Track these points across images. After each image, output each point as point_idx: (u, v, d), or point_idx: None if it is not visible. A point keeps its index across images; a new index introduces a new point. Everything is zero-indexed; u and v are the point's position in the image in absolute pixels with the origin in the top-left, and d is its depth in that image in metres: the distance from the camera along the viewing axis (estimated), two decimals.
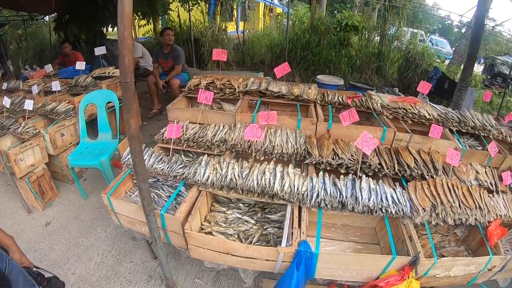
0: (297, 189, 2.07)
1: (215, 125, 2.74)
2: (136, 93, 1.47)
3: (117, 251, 2.81)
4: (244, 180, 2.13)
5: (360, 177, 2.18)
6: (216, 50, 3.12)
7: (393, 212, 1.99)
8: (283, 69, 3.05)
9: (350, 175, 2.23)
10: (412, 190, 2.11)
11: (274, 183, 2.09)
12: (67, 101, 3.76)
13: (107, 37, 8.35)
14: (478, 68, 10.00)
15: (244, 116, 2.73)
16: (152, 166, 2.40)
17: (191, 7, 8.03)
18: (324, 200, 2.04)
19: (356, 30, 8.24)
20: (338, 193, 2.07)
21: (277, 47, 8.35)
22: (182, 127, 2.67)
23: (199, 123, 2.80)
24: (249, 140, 2.43)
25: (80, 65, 4.27)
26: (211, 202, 2.44)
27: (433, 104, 3.29)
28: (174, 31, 8.32)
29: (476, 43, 5.18)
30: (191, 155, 2.86)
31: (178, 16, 8.45)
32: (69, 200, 3.52)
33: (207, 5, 9.51)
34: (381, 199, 2.01)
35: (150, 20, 8.52)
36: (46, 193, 3.42)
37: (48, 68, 4.46)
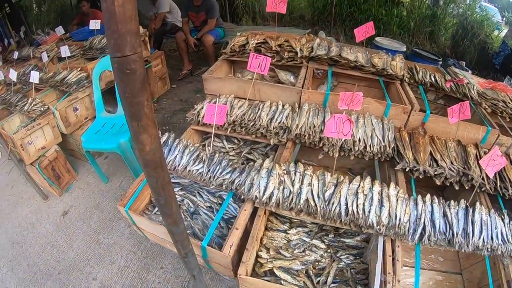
0: (399, 220, 1.46)
1: (271, 104, 2.05)
2: (148, 86, 0.73)
3: (143, 253, 2.31)
4: (327, 203, 1.50)
5: (473, 206, 1.59)
6: None
7: (500, 252, 1.51)
8: (365, 30, 2.22)
9: (462, 201, 1.62)
10: None
11: (369, 211, 1.47)
12: (79, 69, 3.18)
13: None
14: None
15: (314, 94, 2.02)
16: (185, 168, 1.81)
17: None
18: (429, 236, 1.48)
19: None
20: (448, 228, 1.50)
21: (319, 0, 7.37)
22: (227, 109, 2.01)
23: (248, 99, 2.13)
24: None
25: (95, 24, 3.62)
26: (267, 216, 1.85)
27: None
28: None
29: None
30: (236, 140, 2.24)
31: None
32: (89, 184, 3.05)
33: None
34: (491, 236, 1.51)
35: None
36: (62, 177, 2.97)
37: (59, 30, 3.85)
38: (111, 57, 0.65)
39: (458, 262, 1.87)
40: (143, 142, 0.80)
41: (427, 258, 1.88)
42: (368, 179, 1.60)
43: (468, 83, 2.41)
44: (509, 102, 2.30)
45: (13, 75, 2.94)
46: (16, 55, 3.84)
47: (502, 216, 1.60)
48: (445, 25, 7.39)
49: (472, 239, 1.48)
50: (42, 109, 2.75)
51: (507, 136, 2.00)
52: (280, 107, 2.01)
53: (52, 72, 3.31)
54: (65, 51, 3.21)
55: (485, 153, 1.91)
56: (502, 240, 1.51)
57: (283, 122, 1.93)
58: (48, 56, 3.61)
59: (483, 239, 1.49)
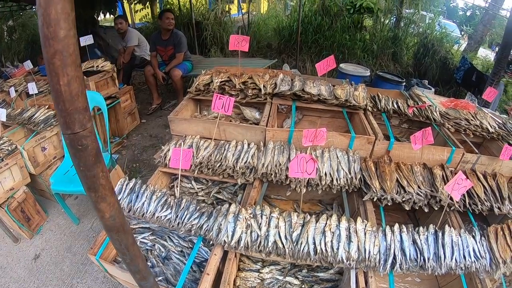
0: (369, 253, 1.45)
1: (237, 144, 2.03)
2: (100, 156, 0.74)
3: None
4: (295, 244, 1.48)
5: (443, 229, 1.62)
6: (235, 36, 2.32)
7: (475, 269, 1.55)
8: (327, 64, 2.27)
9: (431, 226, 1.64)
10: (493, 238, 1.63)
11: (338, 247, 1.46)
12: (47, 106, 3.10)
13: (100, 25, 7.68)
14: (487, 54, 9.52)
15: (278, 132, 2.02)
16: (153, 215, 1.75)
17: None
18: (401, 264, 1.48)
19: (370, 13, 7.52)
20: (419, 254, 1.51)
21: (285, 30, 7.60)
22: (193, 152, 1.99)
23: (214, 139, 2.11)
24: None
25: None
26: (239, 256, 1.80)
27: (485, 110, 2.77)
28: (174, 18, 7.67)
29: None
30: (204, 180, 2.21)
31: None
32: (59, 225, 2.91)
33: None
34: (463, 255, 1.54)
35: (147, 4, 7.72)
36: (32, 219, 2.82)
37: (28, 65, 3.78)
38: (63, 134, 0.67)
39: (436, 280, 1.87)
40: (103, 210, 0.81)
41: (404, 281, 1.86)
42: (334, 217, 1.59)
43: (430, 105, 2.50)
44: (471, 119, 2.39)
45: None
46: None
47: (473, 233, 1.63)
48: (407, 45, 7.72)
49: (444, 262, 1.50)
50: (9, 148, 2.63)
51: (472, 153, 2.06)
52: (245, 146, 2.00)
53: (20, 108, 3.21)
54: (32, 88, 3.15)
55: (451, 172, 1.99)
56: (475, 257, 1.55)
57: (249, 162, 1.91)
58: (16, 91, 3.54)
59: (455, 260, 1.52)
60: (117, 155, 3.84)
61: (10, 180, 2.61)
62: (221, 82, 2.34)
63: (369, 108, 2.37)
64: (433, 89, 5.50)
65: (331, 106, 2.31)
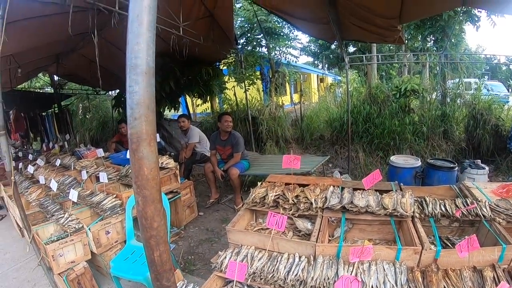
0: None
1: (288, 256, 2.24)
2: None
3: None
4: None
5: None
6: (287, 156, 2.70)
7: None
8: (373, 178, 2.53)
9: None
10: None
11: None
12: (114, 196, 3.55)
13: (165, 117, 8.69)
14: None
15: (327, 248, 2.21)
16: None
17: (248, 87, 8.08)
18: None
19: (416, 94, 7.70)
20: None
21: (336, 121, 7.92)
22: (247, 267, 2.21)
23: (268, 250, 2.34)
24: None
25: None
26: None
27: None
28: (231, 110, 8.49)
29: None
30: (256, 287, 2.40)
31: (235, 94, 8.55)
32: None
33: (262, 82, 9.66)
34: None
35: (207, 99, 8.72)
36: None
37: (100, 152, 4.47)
38: (154, 285, 1.02)
39: None
40: None
41: None
42: None
43: (479, 201, 2.52)
44: None
45: (53, 185, 3.32)
46: (58, 162, 4.44)
47: None
48: (456, 119, 7.57)
49: None
50: (76, 226, 2.98)
51: None
52: (297, 259, 2.18)
53: (89, 190, 3.68)
54: (103, 177, 3.61)
55: (503, 270, 1.94)
56: None
57: (299, 275, 2.07)
58: (87, 172, 4.06)
59: None
60: (174, 245, 4.08)
61: (73, 254, 2.92)
62: (275, 196, 2.65)
63: (417, 215, 2.46)
64: (487, 168, 5.29)
65: (379, 216, 2.46)
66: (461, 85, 8.06)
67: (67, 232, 2.97)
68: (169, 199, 4.07)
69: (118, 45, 5.56)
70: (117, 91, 8.76)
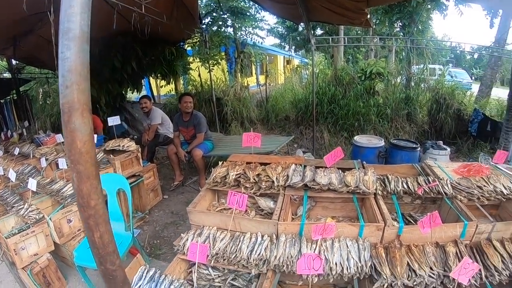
0: None
1: (251, 236, 2.16)
2: (127, 283, 1.00)
3: None
4: None
5: None
6: (247, 134, 2.60)
7: None
8: (335, 155, 2.46)
9: None
10: None
11: None
12: None
13: (128, 100, 8.32)
14: (500, 97, 9.39)
15: (290, 226, 2.15)
16: None
17: (212, 67, 7.87)
18: None
19: (381, 77, 7.84)
20: None
21: (302, 102, 7.95)
22: (209, 244, 2.12)
23: (230, 230, 2.25)
24: None
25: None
26: None
27: (501, 167, 2.84)
28: (195, 92, 8.25)
29: None
30: (221, 268, 2.31)
31: (199, 75, 8.29)
32: None
33: (227, 63, 9.45)
34: None
35: (171, 80, 8.42)
36: (52, 284, 2.90)
37: (59, 138, 4.18)
38: (98, 268, 0.93)
39: None
40: None
41: None
42: None
43: (441, 179, 2.56)
44: (484, 185, 2.42)
45: (12, 175, 3.12)
46: (17, 150, 4.20)
47: None
48: (420, 103, 7.80)
49: None
50: (37, 217, 2.81)
51: (486, 223, 2.08)
52: (259, 238, 2.11)
53: (49, 178, 3.47)
54: (62, 163, 3.43)
55: (466, 246, 1.99)
56: None
57: (262, 254, 2.01)
58: (47, 160, 3.83)
59: None
60: (139, 230, 3.97)
61: (35, 246, 2.75)
62: (236, 175, 2.53)
63: (379, 192, 2.46)
64: (448, 149, 5.47)
65: (342, 194, 2.42)
66: (425, 71, 8.30)
67: (28, 223, 2.77)
68: (131, 183, 3.90)
69: None
70: None
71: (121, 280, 0.94)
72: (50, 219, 2.85)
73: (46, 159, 3.87)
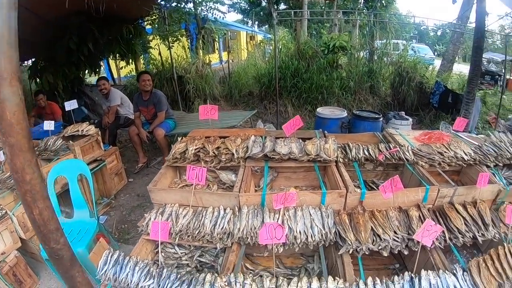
0: None
1: (213, 210, 2.11)
2: (75, 260, 0.94)
3: None
4: None
5: (419, 274, 1.61)
6: (204, 107, 2.52)
7: None
8: (293, 124, 2.43)
9: (406, 274, 1.65)
10: (475, 272, 1.61)
11: None
12: None
13: (86, 83, 7.91)
14: (461, 71, 9.90)
15: (251, 197, 2.11)
16: (137, 285, 1.78)
17: (172, 44, 7.57)
18: None
19: (344, 51, 7.90)
20: None
21: (265, 77, 7.88)
22: (172, 221, 2.06)
23: (192, 206, 2.18)
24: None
25: (49, 124, 3.71)
26: None
27: (461, 135, 2.93)
28: (156, 71, 7.93)
29: (480, 51, 4.91)
30: (187, 245, 2.26)
31: (160, 54, 7.96)
32: None
33: (188, 40, 9.10)
34: None
35: (130, 61, 8.03)
36: (24, 282, 2.78)
37: None
38: (42, 247, 0.91)
39: None
40: None
41: None
42: (305, 279, 1.62)
43: (402, 146, 2.61)
44: (445, 151, 2.49)
45: None
46: None
47: (455, 271, 1.63)
48: (383, 76, 7.98)
49: None
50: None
51: (448, 187, 2.14)
52: (221, 212, 2.07)
53: (9, 172, 3.19)
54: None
55: (428, 210, 2.05)
56: None
57: (225, 227, 1.98)
58: (5, 154, 3.54)
59: None
60: (105, 216, 3.85)
61: (1, 245, 2.62)
62: (195, 149, 2.45)
63: (341, 159, 2.46)
64: (410, 120, 5.66)
65: (303, 163, 2.40)
66: (388, 45, 8.47)
67: None
68: (93, 168, 3.76)
69: (27, 6, 4.72)
70: (33, 60, 7.66)
71: (68, 259, 0.92)
72: (13, 214, 2.72)
73: (4, 153, 3.57)
